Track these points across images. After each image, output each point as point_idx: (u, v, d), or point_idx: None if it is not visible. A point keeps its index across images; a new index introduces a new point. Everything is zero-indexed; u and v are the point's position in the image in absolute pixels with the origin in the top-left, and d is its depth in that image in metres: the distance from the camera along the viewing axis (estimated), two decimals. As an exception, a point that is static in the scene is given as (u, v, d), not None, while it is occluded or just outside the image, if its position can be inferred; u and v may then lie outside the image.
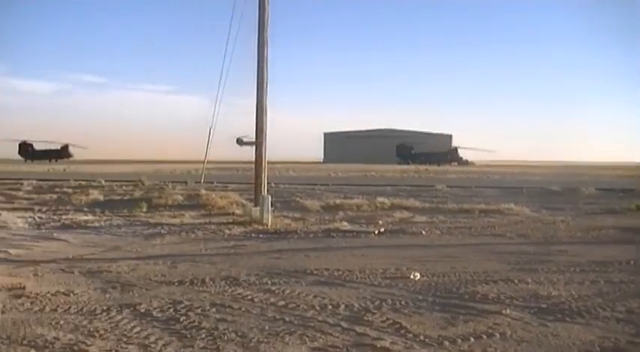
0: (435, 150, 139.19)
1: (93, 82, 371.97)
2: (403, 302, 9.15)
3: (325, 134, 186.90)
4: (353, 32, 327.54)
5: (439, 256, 13.44)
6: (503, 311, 8.65)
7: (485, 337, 7.48)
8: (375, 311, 8.63)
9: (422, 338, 7.41)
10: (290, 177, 50.04)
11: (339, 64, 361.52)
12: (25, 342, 7.18)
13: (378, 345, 7.10)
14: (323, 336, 7.45)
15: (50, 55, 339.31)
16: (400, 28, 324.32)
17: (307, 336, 7.43)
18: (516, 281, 10.71)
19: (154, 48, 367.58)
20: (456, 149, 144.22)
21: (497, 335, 7.57)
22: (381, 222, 19.46)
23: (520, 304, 9.12)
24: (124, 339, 7.33)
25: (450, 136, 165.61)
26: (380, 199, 25.13)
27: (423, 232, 17.45)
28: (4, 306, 8.91)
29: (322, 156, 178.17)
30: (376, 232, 17.36)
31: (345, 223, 19.48)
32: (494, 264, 12.43)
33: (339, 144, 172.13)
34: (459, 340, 7.33)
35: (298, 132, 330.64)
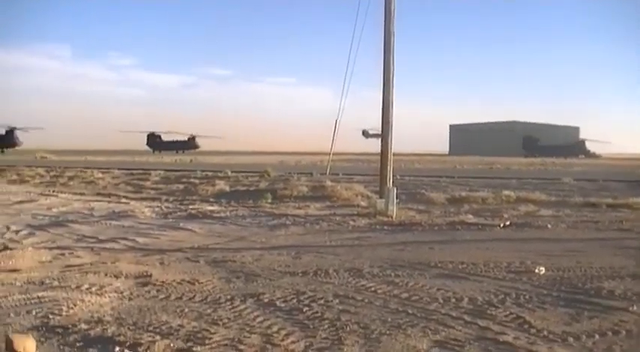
0: (562, 143, 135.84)
1: (219, 75, 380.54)
2: (527, 297, 9.03)
3: (451, 126, 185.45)
4: (480, 22, 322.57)
5: (564, 250, 13.15)
6: (630, 308, 8.42)
7: (610, 334, 7.31)
8: (499, 305, 8.54)
9: (545, 333, 7.30)
10: (415, 169, 49.75)
11: (465, 55, 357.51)
12: (150, 329, 7.36)
13: (501, 340, 7.04)
14: (445, 329, 7.42)
15: (178, 49, 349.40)
16: (526, 18, 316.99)
17: (429, 329, 7.42)
18: (644, 277, 10.39)
19: (279, 41, 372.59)
20: (583, 141, 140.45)
21: (624, 332, 7.38)
22: (506, 216, 19.17)
23: (648, 301, 8.86)
24: (247, 328, 7.43)
25: (577, 128, 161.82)
26: (505, 192, 24.67)
27: (549, 226, 17.09)
28: (130, 293, 9.19)
29: (448, 149, 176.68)
30: (501, 225, 17.14)
31: (469, 216, 19.26)
32: (621, 260, 12.08)
33: (464, 137, 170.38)
34: (584, 336, 7.19)
35: (424, 125, 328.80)
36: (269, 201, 23.71)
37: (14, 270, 10.66)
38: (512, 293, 9.26)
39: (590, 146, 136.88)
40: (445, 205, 22.60)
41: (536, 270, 10.76)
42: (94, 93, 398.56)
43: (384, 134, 20.74)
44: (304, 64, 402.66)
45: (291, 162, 68.67)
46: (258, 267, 11.23)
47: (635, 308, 8.45)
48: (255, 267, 11.24)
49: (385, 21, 20.51)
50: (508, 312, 8.20)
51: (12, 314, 7.97)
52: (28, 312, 8.05)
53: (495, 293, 9.23)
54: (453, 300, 8.83)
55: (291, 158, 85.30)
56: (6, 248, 12.86)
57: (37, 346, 6.45)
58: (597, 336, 7.21)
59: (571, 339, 7.10)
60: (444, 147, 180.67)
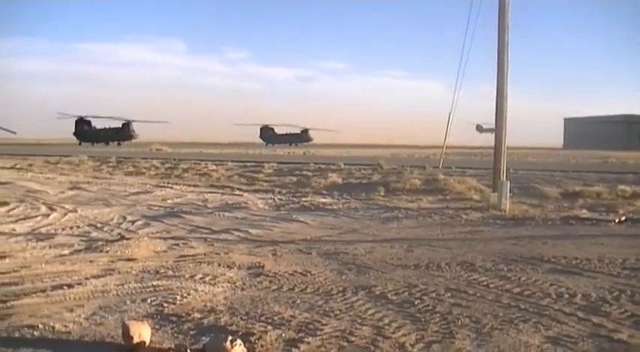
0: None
1: (335, 68, 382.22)
2: (644, 294, 8.86)
3: (565, 119, 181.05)
4: (594, 14, 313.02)
5: (684, 247, 12.80)
6: None
7: None
8: (613, 303, 8.40)
9: (662, 332, 7.16)
10: (528, 163, 48.86)
11: (579, 47, 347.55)
12: (262, 319, 7.48)
13: (615, 337, 6.94)
14: (558, 325, 7.36)
15: (291, 43, 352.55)
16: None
17: (542, 325, 7.37)
18: None
19: (391, 34, 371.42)
20: None
21: None
22: (621, 211, 18.73)
23: None
24: (359, 320, 7.50)
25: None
26: (621, 187, 24.05)
27: (667, 222, 16.61)
28: (243, 283, 9.38)
29: (562, 142, 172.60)
30: (616, 221, 16.76)
31: (584, 211, 18.93)
32: None
33: (579, 130, 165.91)
34: None
35: (538, 118, 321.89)
36: (381, 193, 23.73)
37: (130, 259, 11.03)
38: (628, 290, 9.09)
39: None
40: (559, 199, 22.20)
41: (654, 267, 10.55)
42: (209, 86, 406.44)
43: (498, 127, 20.56)
44: (417, 58, 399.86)
45: (403, 155, 68.47)
46: (370, 260, 11.31)
47: None
48: (367, 260, 11.32)
49: (499, 13, 20.31)
50: (623, 310, 8.07)
51: (128, 302, 8.25)
52: (144, 300, 8.33)
53: (610, 290, 9.07)
54: (566, 296, 8.74)
55: (403, 151, 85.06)
56: (122, 237, 13.32)
57: (151, 333, 6.63)
58: None
59: (690, 339, 6.93)
60: (558, 141, 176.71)
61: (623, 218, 17.18)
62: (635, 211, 18.97)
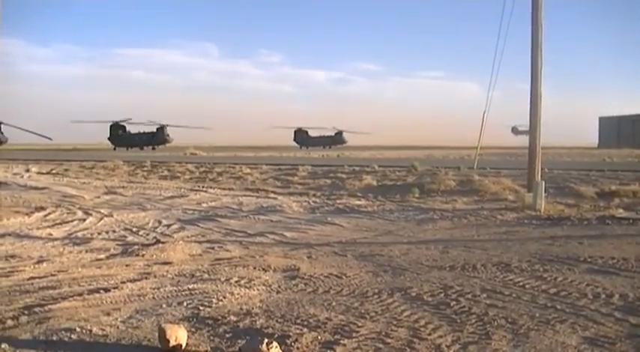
0: None
1: (369, 70, 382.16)
2: (681, 294, 8.79)
3: (600, 118, 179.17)
4: (628, 10, 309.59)
5: None
6: None
7: None
8: (651, 303, 8.38)
9: (701, 332, 7.11)
10: (564, 162, 48.56)
11: (614, 44, 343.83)
12: (298, 321, 7.53)
13: (653, 338, 6.91)
14: (595, 326, 7.34)
15: (325, 45, 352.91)
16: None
17: (579, 325, 7.35)
18: None
19: (427, 35, 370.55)
20: None
21: None
22: (659, 210, 18.57)
23: None
24: (394, 322, 7.52)
25: None
26: (658, 186, 23.83)
27: None
28: (279, 286, 9.42)
29: (597, 141, 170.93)
30: (654, 220, 16.62)
31: (620, 210, 18.77)
32: None
33: (615, 129, 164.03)
34: None
35: (572, 117, 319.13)
36: (416, 195, 23.67)
37: (166, 263, 11.13)
38: (666, 290, 9.04)
39: None
40: (594, 199, 22.03)
41: (691, 267, 10.46)
42: (243, 90, 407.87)
43: (533, 127, 20.45)
44: (453, 58, 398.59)
45: (438, 156, 68.23)
46: (406, 261, 11.33)
47: None
48: (402, 261, 11.33)
49: (533, 13, 20.21)
50: (661, 310, 8.03)
51: (164, 305, 8.32)
52: (180, 303, 8.40)
53: (647, 290, 9.04)
54: (603, 296, 8.70)
55: (438, 152, 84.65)
56: (158, 241, 13.36)
57: (188, 336, 6.70)
58: None
59: None
60: (594, 140, 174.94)
61: (660, 217, 16.99)
62: (671, 209, 18.79)
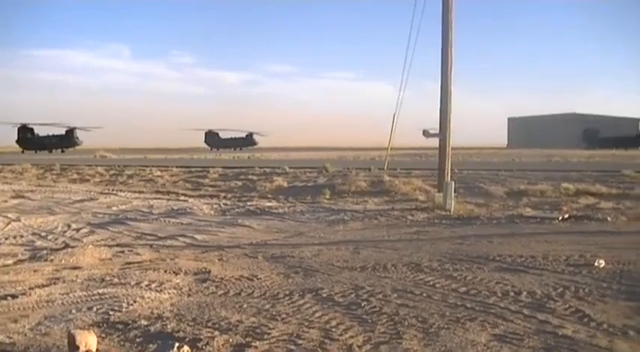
0: (622, 135, 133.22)
1: (280, 72, 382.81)
2: (587, 290, 8.95)
3: (509, 119, 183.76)
4: (537, 11, 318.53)
5: (626, 243, 13.01)
6: (694, 302, 8.32)
7: (674, 327, 7.22)
8: (558, 299, 8.50)
9: (605, 327, 7.26)
10: (473, 162, 49.46)
11: (522, 46, 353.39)
12: (209, 325, 7.45)
13: (560, 333, 7.01)
14: (504, 323, 7.41)
15: (238, 48, 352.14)
16: (585, 9, 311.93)
17: (488, 323, 7.42)
18: None
19: (339, 35, 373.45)
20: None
21: (688, 325, 7.28)
22: (565, 208, 18.98)
23: None
24: (306, 323, 7.49)
25: (638, 120, 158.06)
26: (564, 185, 24.38)
27: (609, 219, 16.88)
28: (190, 289, 9.32)
29: (506, 142, 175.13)
30: (560, 218, 16.98)
31: (528, 209, 19.17)
32: (685, 251, 11.89)
33: (523, 129, 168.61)
34: (645, 330, 7.12)
35: (482, 118, 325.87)
36: (327, 196, 23.72)
37: (75, 268, 10.88)
38: (572, 286, 9.20)
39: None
40: (504, 198, 22.46)
41: (596, 263, 10.64)
42: (155, 91, 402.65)
43: (443, 128, 20.66)
44: (364, 59, 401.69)
45: (349, 157, 68.70)
46: (317, 262, 11.30)
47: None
48: (313, 263, 11.30)
49: (443, 13, 20.38)
50: (567, 306, 8.17)
51: (74, 311, 8.14)
52: (90, 309, 8.23)
53: (554, 287, 9.18)
54: (512, 294, 8.82)
55: (349, 153, 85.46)
56: (67, 246, 13.14)
57: (98, 341, 6.57)
58: (659, 329, 7.13)
59: (632, 332, 7.04)
60: (503, 140, 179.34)
61: (566, 215, 17.39)
62: (578, 208, 19.27)
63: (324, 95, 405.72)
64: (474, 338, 6.89)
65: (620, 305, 8.20)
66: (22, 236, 14.77)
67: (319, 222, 17.31)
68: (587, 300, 8.45)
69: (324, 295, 8.88)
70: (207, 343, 6.74)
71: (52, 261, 11.52)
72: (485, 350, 6.60)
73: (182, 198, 24.87)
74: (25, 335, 7.12)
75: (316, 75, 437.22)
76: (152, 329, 7.30)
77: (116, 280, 9.92)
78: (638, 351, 6.51)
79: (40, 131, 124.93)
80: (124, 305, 8.37)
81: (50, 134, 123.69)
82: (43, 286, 9.48)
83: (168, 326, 7.38)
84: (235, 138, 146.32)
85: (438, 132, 20.88)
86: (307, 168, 36.99)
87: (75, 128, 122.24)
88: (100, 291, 9.14)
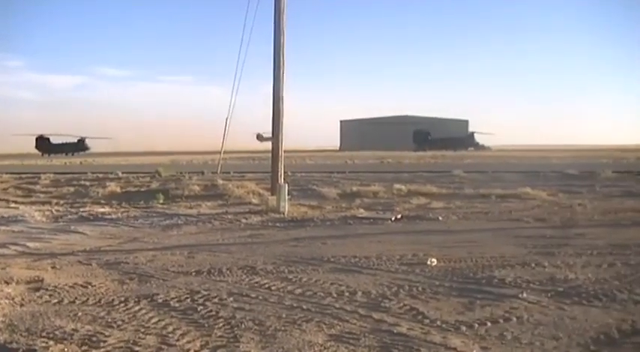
0: (452, 136, 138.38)
1: (115, 75, 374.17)
2: (420, 288, 9.16)
3: (341, 122, 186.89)
4: (367, 19, 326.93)
5: (456, 242, 13.45)
6: (520, 295, 8.66)
7: (502, 321, 7.48)
8: (392, 298, 8.64)
9: (439, 323, 7.42)
10: (307, 165, 50.10)
11: (354, 51, 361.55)
12: (43, 334, 7.21)
13: (395, 331, 7.10)
14: (340, 323, 7.47)
15: (69, 49, 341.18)
16: (417, 14, 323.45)
17: (325, 323, 7.46)
18: (533, 265, 10.71)
19: (176, 39, 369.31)
20: (472, 134, 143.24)
21: (514, 319, 7.57)
22: (397, 209, 19.44)
23: (537, 288, 9.12)
24: (142, 330, 7.36)
25: (467, 122, 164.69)
26: (397, 186, 25.06)
27: (440, 218, 17.43)
28: (22, 299, 8.97)
29: (339, 144, 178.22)
30: (393, 219, 17.35)
31: (362, 210, 19.51)
32: (511, 249, 12.42)
33: (355, 132, 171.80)
34: (476, 325, 7.33)
35: (314, 121, 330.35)
36: (161, 201, 23.44)
37: None
38: (406, 285, 9.38)
39: (478, 138, 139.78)
40: (337, 200, 22.80)
41: (429, 262, 10.93)
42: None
43: (275, 131, 20.74)
44: (201, 63, 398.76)
45: (182, 161, 68.11)
46: (152, 268, 11.11)
47: (524, 295, 8.70)
48: (148, 268, 11.11)
49: (275, 17, 20.45)
50: (402, 304, 8.30)
51: None
52: None
53: (389, 286, 9.33)
54: (347, 294, 8.90)
55: (183, 157, 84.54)
56: None
57: None
58: (489, 324, 7.37)
59: (464, 328, 7.23)
60: (335, 143, 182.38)
61: (399, 216, 17.80)
62: (411, 208, 19.79)
63: (159, 99, 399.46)
64: (311, 339, 6.90)
65: (452, 302, 8.42)
66: None
67: (153, 227, 17.02)
68: (420, 298, 8.63)
69: (160, 301, 8.73)
70: (42, 354, 6.50)
71: None
72: (323, 350, 6.62)
73: (12, 205, 23.83)
74: None
75: (154, 79, 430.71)
76: (-19, 342, 6.98)
77: (-60, 293, 9.42)
78: (470, 346, 6.66)
79: None
80: (-50, 318, 7.98)
81: None
82: None
83: (1, 338, 7.10)
84: (67, 144, 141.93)
85: (271, 136, 20.94)
86: (140, 173, 36.55)
87: None
88: None
